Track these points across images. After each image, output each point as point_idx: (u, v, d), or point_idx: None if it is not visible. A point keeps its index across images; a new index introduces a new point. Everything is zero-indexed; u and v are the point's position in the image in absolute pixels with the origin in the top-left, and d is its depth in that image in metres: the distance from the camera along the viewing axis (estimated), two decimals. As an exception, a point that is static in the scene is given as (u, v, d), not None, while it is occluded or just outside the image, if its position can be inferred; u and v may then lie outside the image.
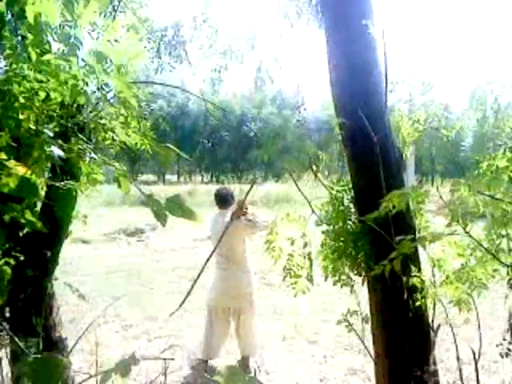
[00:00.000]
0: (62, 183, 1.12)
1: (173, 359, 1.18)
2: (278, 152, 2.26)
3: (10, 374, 2.13)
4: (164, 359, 1.18)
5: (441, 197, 1.68)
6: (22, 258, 1.75)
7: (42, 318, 2.04)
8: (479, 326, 2.20)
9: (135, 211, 18.33)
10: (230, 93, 36.50)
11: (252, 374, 4.74)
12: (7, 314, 2.00)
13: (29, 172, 1.05)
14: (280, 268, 7.46)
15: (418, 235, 1.98)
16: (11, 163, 1.02)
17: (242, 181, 34.11)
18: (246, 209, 4.94)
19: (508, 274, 1.97)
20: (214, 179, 35.70)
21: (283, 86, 38.72)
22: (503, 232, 1.61)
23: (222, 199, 5.16)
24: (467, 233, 1.48)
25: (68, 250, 2.17)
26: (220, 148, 36.32)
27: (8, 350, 2.12)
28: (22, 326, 1.96)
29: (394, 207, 1.61)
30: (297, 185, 2.28)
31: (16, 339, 1.75)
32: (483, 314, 2.16)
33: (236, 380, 1.24)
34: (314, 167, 2.25)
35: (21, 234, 1.86)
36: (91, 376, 1.24)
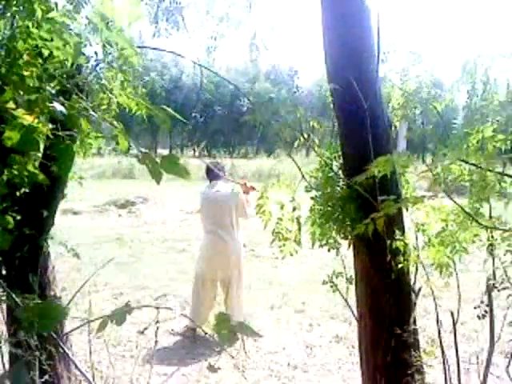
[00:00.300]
0: (64, 133, 1.16)
1: (170, 308, 1.25)
2: (270, 122, 2.31)
3: (5, 332, 2.21)
4: (157, 308, 1.24)
5: (427, 165, 1.75)
6: (18, 218, 1.79)
7: (37, 275, 2.10)
8: (458, 288, 2.30)
9: (126, 184, 18.34)
10: (224, 67, 36.13)
11: (239, 341, 4.87)
12: (3, 272, 2.07)
13: (36, 121, 1.09)
14: (268, 241, 7.58)
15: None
16: (19, 112, 1.06)
17: (234, 155, 34.05)
18: (254, 188, 5.02)
19: (488, 239, 2.06)
20: (205, 153, 35.57)
21: (278, 62, 38.37)
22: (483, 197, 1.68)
23: (213, 172, 5.28)
24: (449, 196, 1.55)
25: (59, 221, 2.23)
26: (212, 122, 36.13)
27: (4, 306, 2.19)
28: (18, 283, 2.02)
29: (379, 172, 1.67)
30: (290, 156, 2.34)
31: (13, 295, 1.81)
32: (466, 287, 2.26)
33: (226, 325, 1.31)
34: (306, 135, 2.31)
35: (18, 194, 1.90)
36: (89, 321, 1.31)
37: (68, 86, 1.40)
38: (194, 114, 34.44)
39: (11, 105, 1.06)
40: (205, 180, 5.52)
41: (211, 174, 5.27)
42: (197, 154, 34.74)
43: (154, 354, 4.45)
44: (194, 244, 9.01)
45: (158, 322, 1.39)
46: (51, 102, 1.15)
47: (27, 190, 1.93)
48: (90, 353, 2.47)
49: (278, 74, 37.79)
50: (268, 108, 2.32)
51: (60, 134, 1.17)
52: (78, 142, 1.76)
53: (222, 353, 4.67)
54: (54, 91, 1.32)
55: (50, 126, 1.15)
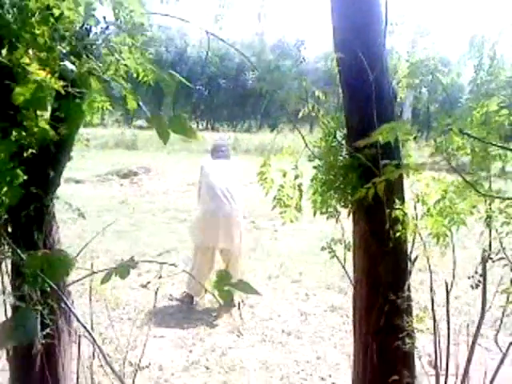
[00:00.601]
0: (74, 90, 1.18)
1: (174, 265, 1.28)
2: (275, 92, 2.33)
3: (9, 287, 2.26)
4: (161, 263, 1.28)
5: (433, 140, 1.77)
6: (25, 177, 1.82)
7: (42, 234, 2.15)
8: (454, 256, 2.35)
9: (129, 155, 18.35)
10: (229, 41, 35.65)
11: (236, 308, 4.99)
12: (9, 229, 2.11)
13: (49, 76, 1.12)
14: (268, 213, 7.67)
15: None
16: (33, 67, 1.09)
17: (237, 129, 33.90)
18: None
19: (486, 211, 2.09)
20: (209, 127, 35.40)
21: (284, 36, 37.81)
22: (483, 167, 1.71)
23: (219, 149, 5.55)
24: (450, 164, 1.58)
25: (60, 189, 2.27)
26: (217, 96, 35.83)
27: (9, 263, 2.24)
28: (23, 240, 2.07)
29: (382, 140, 1.70)
30: (295, 126, 2.35)
31: (18, 251, 1.86)
32: (462, 262, 2.31)
33: (226, 283, 1.36)
34: (310, 106, 2.33)
35: (25, 155, 1.92)
36: (92, 273, 1.35)
37: (78, 47, 1.41)
38: (198, 87, 34.15)
39: (25, 60, 1.08)
40: (207, 152, 5.66)
41: (214, 153, 5.50)
42: (200, 127, 34.56)
43: (151, 317, 4.57)
44: (194, 214, 9.09)
45: (160, 277, 1.43)
46: (62, 61, 1.17)
47: (34, 151, 1.96)
48: (91, 311, 2.54)
49: (284, 47, 37.27)
50: (274, 77, 2.33)
51: (70, 90, 1.19)
52: (85, 105, 1.78)
53: (218, 318, 4.79)
54: (64, 50, 1.34)
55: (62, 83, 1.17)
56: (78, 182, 11.68)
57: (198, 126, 34.50)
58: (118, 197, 10.71)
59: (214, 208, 5.10)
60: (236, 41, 34.77)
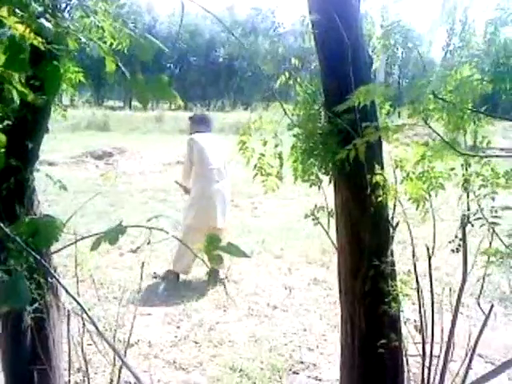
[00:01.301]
0: (53, 47, 1.15)
1: (163, 230, 1.28)
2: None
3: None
4: (150, 228, 1.28)
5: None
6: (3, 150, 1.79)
7: (24, 208, 2.12)
8: (434, 226, 2.40)
9: (101, 136, 18.07)
10: (199, 15, 35.07)
11: (220, 284, 5.02)
12: (-10, 204, 2.08)
13: (27, 31, 1.09)
14: (248, 192, 7.71)
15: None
16: (11, 20, 1.06)
17: (211, 108, 33.60)
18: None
19: (463, 175, 2.14)
20: (181, 106, 35.03)
21: (255, 10, 37.41)
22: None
23: (202, 123, 5.43)
24: (427, 124, 1.61)
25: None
26: (188, 74, 35.39)
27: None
28: (5, 213, 2.04)
29: (360, 103, 1.72)
30: (274, 95, 2.36)
31: (1, 224, 1.83)
32: (439, 235, 2.36)
33: (216, 246, 1.37)
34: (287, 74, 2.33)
35: (1, 126, 1.88)
36: (82, 238, 1.35)
37: (51, 6, 1.38)
38: (168, 65, 33.63)
39: (3, 13, 1.05)
40: (181, 133, 5.58)
41: (202, 126, 5.36)
42: (172, 106, 34.14)
43: (137, 295, 4.57)
44: (173, 194, 9.05)
45: (149, 243, 1.44)
46: (38, 18, 1.15)
47: (10, 123, 1.92)
48: (78, 289, 2.53)
49: (254, 22, 36.88)
50: (248, 49, 2.31)
51: (49, 47, 1.16)
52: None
53: (204, 294, 4.82)
54: (40, 8, 1.30)
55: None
56: (51, 164, 11.47)
57: (170, 106, 34.05)
58: (94, 178, 10.58)
59: (211, 187, 5.09)
60: (206, 14, 34.24)
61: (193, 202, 5.19)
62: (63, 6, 1.66)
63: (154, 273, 5.25)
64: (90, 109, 25.84)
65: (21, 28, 1.09)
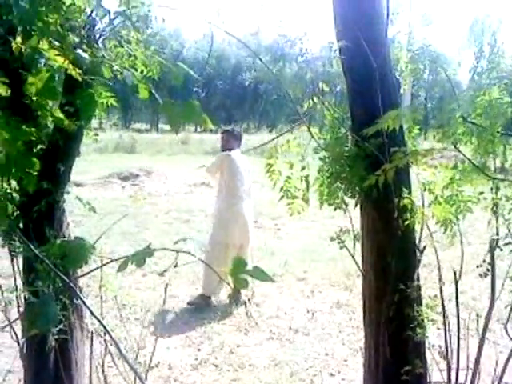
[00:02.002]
0: (90, 78, 1.19)
1: (189, 253, 1.29)
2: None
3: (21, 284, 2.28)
4: (177, 251, 1.29)
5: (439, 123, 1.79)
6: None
7: (54, 230, 2.16)
8: (462, 250, 2.36)
9: (128, 158, 18.37)
10: (225, 41, 35.72)
11: (242, 306, 4.98)
12: (21, 225, 2.12)
13: (66, 62, 1.13)
14: (271, 213, 7.68)
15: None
16: (52, 53, 1.10)
17: (236, 130, 33.88)
18: None
19: (493, 198, 2.11)
20: (207, 129, 35.47)
21: (280, 35, 37.85)
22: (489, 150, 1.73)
23: (233, 141, 5.36)
24: (457, 148, 1.60)
25: None
26: (214, 97, 35.92)
27: (20, 260, 2.25)
28: (34, 236, 2.08)
29: (388, 127, 1.72)
30: (300, 116, 2.37)
31: (31, 246, 1.87)
32: (466, 258, 2.33)
33: (242, 269, 1.36)
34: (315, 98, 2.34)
35: (34, 151, 1.94)
36: (110, 261, 1.36)
37: (86, 37, 1.43)
38: (195, 89, 34.19)
39: (44, 46, 1.09)
40: (206, 154, 5.62)
41: (237, 142, 5.37)
42: (198, 129, 34.59)
43: (159, 316, 4.58)
44: (197, 215, 9.10)
45: (176, 266, 1.44)
46: (75, 49, 1.19)
47: (43, 147, 1.98)
48: (101, 310, 2.55)
49: (282, 41, 37.30)
50: (275, 73, 2.34)
51: (85, 78, 1.20)
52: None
53: (226, 317, 4.79)
54: (77, 39, 1.35)
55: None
56: (79, 185, 11.66)
57: (196, 129, 34.53)
58: (120, 199, 10.71)
59: (241, 205, 5.17)
60: (231, 40, 34.86)
61: (223, 218, 5.20)
62: (98, 35, 1.71)
63: (188, 303, 5.14)
64: (117, 131, 26.38)
65: (60, 60, 1.13)
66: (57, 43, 1.16)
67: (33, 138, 1.78)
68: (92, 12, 1.57)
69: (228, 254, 5.08)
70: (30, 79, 1.22)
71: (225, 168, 5.17)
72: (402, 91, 2.64)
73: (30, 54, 1.21)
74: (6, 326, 1.89)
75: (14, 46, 1.43)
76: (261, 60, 1.94)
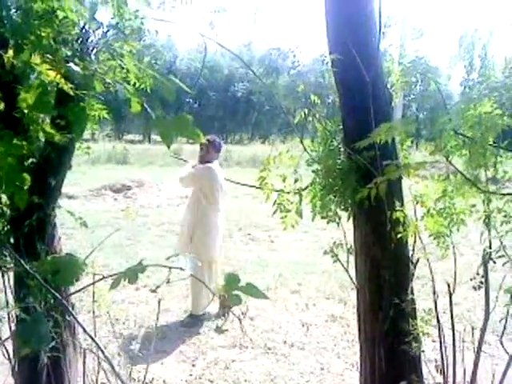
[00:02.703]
0: (82, 92, 1.19)
1: (181, 268, 1.27)
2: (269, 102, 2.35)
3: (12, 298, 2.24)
4: (169, 267, 1.28)
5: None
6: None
7: (45, 245, 2.14)
8: (455, 263, 2.36)
9: (121, 169, 18.31)
10: (218, 52, 35.89)
11: (236, 320, 4.94)
12: (11, 240, 2.10)
13: (58, 76, 1.12)
14: (264, 225, 7.63)
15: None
16: (43, 67, 1.09)
17: (229, 141, 33.97)
18: None
19: (484, 210, 2.11)
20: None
21: (272, 46, 38.14)
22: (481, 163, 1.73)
23: (221, 149, 5.26)
24: (449, 161, 1.60)
25: None
26: (207, 108, 35.99)
27: (11, 275, 2.22)
28: (26, 251, 2.05)
29: (381, 140, 1.72)
30: (294, 127, 2.37)
31: (22, 261, 1.84)
32: (459, 269, 2.32)
33: (235, 286, 1.35)
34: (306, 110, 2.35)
35: (25, 164, 1.92)
36: (104, 277, 1.35)
37: (79, 50, 1.43)
38: (188, 100, 34.25)
39: (36, 60, 1.09)
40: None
41: (217, 154, 5.19)
42: (190, 140, 34.53)
43: (152, 331, 4.53)
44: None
45: (168, 281, 1.43)
46: (67, 63, 1.18)
47: (34, 160, 1.96)
48: (95, 326, 2.51)
49: (275, 54, 37.57)
50: (267, 84, 2.35)
51: (77, 92, 1.19)
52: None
53: (220, 332, 4.74)
54: (69, 53, 1.35)
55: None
56: (70, 197, 11.61)
57: (188, 140, 34.44)
58: (112, 211, 10.65)
59: (221, 217, 5.11)
60: (224, 51, 35.03)
61: (211, 234, 5.05)
62: (90, 48, 1.71)
63: (182, 321, 4.98)
64: (110, 142, 26.31)
65: (52, 74, 1.12)
66: (49, 57, 1.15)
67: (24, 152, 1.77)
68: (85, 25, 1.58)
69: (212, 269, 5.05)
70: (23, 94, 1.21)
71: (206, 181, 4.95)
72: (395, 101, 2.66)
73: (21, 68, 1.20)
74: (-3, 344, 1.86)
75: (5, 59, 1.43)
76: (253, 72, 1.94)
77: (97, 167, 18.64)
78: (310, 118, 2.34)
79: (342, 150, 2.25)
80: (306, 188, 2.28)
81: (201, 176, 4.99)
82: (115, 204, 11.67)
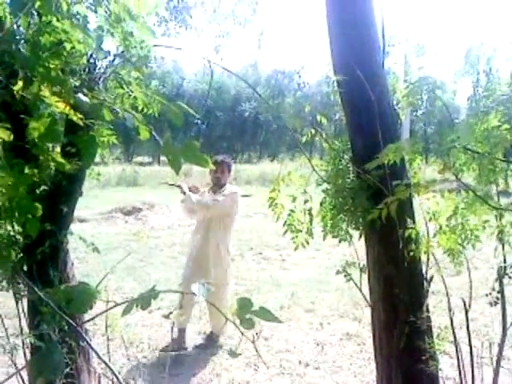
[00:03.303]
0: (90, 122, 1.21)
1: (193, 293, 1.27)
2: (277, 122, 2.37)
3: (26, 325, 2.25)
4: (182, 293, 1.28)
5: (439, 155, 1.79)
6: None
7: (58, 271, 2.15)
8: (470, 278, 2.33)
9: (131, 191, 18.43)
10: (225, 73, 36.27)
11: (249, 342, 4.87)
12: (25, 267, 2.11)
13: (67, 108, 1.15)
14: (274, 243, 7.62)
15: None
16: (52, 99, 1.11)
17: (238, 160, 34.10)
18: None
19: (498, 226, 2.09)
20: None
21: (279, 66, 38.52)
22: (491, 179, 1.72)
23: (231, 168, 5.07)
24: (458, 179, 1.60)
25: None
26: (215, 128, 36.25)
27: (25, 303, 2.23)
28: (39, 278, 2.07)
29: (389, 160, 1.72)
30: (301, 148, 2.38)
31: (35, 288, 1.85)
32: (475, 283, 2.29)
33: (248, 310, 1.35)
34: (313, 130, 2.36)
35: (37, 192, 1.94)
36: (117, 304, 1.35)
37: (87, 80, 1.45)
38: (196, 121, 34.56)
39: (46, 93, 1.11)
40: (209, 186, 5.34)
41: (227, 176, 4.99)
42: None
43: (166, 354, 4.50)
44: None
45: (181, 307, 1.43)
46: (75, 94, 1.21)
47: (46, 188, 1.98)
48: (108, 351, 2.51)
49: (280, 76, 37.90)
50: (274, 105, 2.37)
51: (86, 122, 1.21)
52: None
53: (234, 356, 4.68)
54: (77, 83, 1.38)
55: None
56: (82, 220, 11.67)
57: (198, 160, 34.57)
58: (123, 233, 10.68)
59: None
60: (232, 71, 35.36)
61: (228, 258, 4.95)
62: (98, 77, 1.74)
63: (197, 346, 4.88)
64: (120, 165, 26.54)
65: (61, 106, 1.14)
66: (57, 88, 1.18)
67: (35, 180, 1.80)
68: (92, 54, 1.61)
69: (228, 291, 5.00)
70: (32, 124, 1.23)
71: (235, 207, 4.74)
72: (401, 119, 2.66)
73: (31, 100, 1.23)
74: (14, 374, 1.86)
75: (15, 88, 1.46)
76: (258, 94, 1.96)
77: (107, 190, 18.78)
78: (317, 138, 2.35)
79: (350, 169, 2.25)
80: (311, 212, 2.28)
81: (233, 202, 4.70)
82: (126, 226, 11.71)
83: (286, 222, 2.30)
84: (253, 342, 3.84)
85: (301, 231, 2.31)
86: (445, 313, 2.45)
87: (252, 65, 38.32)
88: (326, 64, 2.34)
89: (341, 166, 2.26)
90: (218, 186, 4.81)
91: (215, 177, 4.83)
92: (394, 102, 2.53)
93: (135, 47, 1.62)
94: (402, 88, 2.40)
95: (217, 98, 34.83)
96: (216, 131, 36.30)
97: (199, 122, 34.89)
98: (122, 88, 1.77)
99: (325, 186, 2.29)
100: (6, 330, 2.29)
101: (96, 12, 1.43)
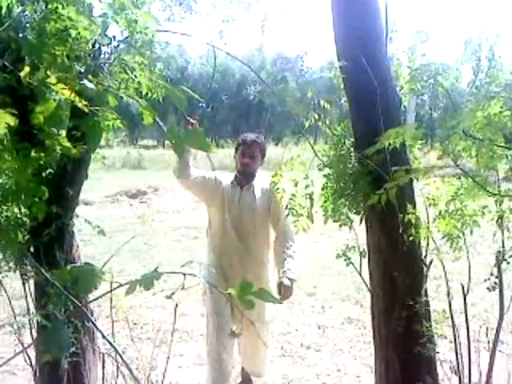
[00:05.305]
0: (95, 108, 1.23)
1: (194, 275, 1.31)
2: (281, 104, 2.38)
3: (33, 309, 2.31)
4: (184, 274, 1.32)
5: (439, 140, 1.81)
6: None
7: (64, 253, 2.20)
8: (469, 264, 2.36)
9: (136, 174, 18.48)
10: (229, 56, 36.06)
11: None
12: (31, 249, 2.16)
13: (73, 94, 1.17)
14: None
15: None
16: (58, 86, 1.14)
17: (242, 145, 34.01)
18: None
19: (497, 211, 2.11)
20: (213, 143, 35.59)
21: (284, 49, 38.25)
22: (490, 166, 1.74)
23: None
24: (457, 165, 1.62)
25: None
26: (219, 112, 36.13)
27: (32, 283, 2.29)
28: (45, 259, 2.11)
29: (390, 145, 1.74)
30: (303, 134, 2.40)
31: (42, 270, 1.90)
32: (475, 268, 2.32)
33: (248, 292, 1.38)
34: (316, 115, 2.38)
35: (43, 175, 1.98)
36: (121, 285, 1.39)
37: (92, 66, 1.48)
38: (200, 105, 34.43)
39: (52, 80, 1.14)
40: (214, 169, 5.38)
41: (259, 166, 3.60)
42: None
43: (170, 335, 4.57)
44: (204, 231, 9.12)
45: (183, 288, 1.47)
46: (81, 80, 1.23)
47: (52, 171, 2.02)
48: (113, 332, 2.56)
49: (283, 61, 37.65)
50: (278, 89, 2.38)
51: (91, 108, 1.24)
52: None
53: (234, 336, 4.76)
54: (82, 70, 1.40)
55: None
56: (87, 203, 11.74)
57: (203, 144, 34.54)
58: (128, 217, 10.76)
59: None
60: (235, 55, 35.13)
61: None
62: (103, 63, 1.76)
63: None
64: (124, 148, 26.57)
65: (67, 92, 1.17)
66: (63, 74, 1.20)
67: (41, 163, 1.83)
68: (96, 41, 1.63)
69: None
70: (38, 109, 1.26)
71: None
72: (406, 104, 2.67)
73: (38, 85, 1.25)
74: (21, 351, 1.92)
75: (22, 74, 1.48)
76: (261, 79, 1.96)
77: (112, 173, 18.82)
78: (320, 123, 2.36)
79: (352, 154, 2.27)
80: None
81: (270, 193, 3.26)
82: (131, 209, 11.78)
83: (287, 205, 2.33)
84: (252, 323, 3.77)
85: (302, 215, 2.34)
86: (444, 298, 2.49)
87: (258, 48, 38.04)
88: (330, 49, 2.35)
89: (342, 152, 2.28)
90: (244, 175, 3.40)
91: (242, 163, 3.34)
92: (398, 88, 2.54)
93: (139, 32, 1.64)
94: (406, 74, 2.40)
95: (221, 82, 34.66)
96: (221, 114, 36.19)
97: (203, 105, 34.87)
98: (127, 73, 1.79)
99: (326, 170, 2.31)
100: (12, 309, 2.35)
101: (100, 1, 1.46)
